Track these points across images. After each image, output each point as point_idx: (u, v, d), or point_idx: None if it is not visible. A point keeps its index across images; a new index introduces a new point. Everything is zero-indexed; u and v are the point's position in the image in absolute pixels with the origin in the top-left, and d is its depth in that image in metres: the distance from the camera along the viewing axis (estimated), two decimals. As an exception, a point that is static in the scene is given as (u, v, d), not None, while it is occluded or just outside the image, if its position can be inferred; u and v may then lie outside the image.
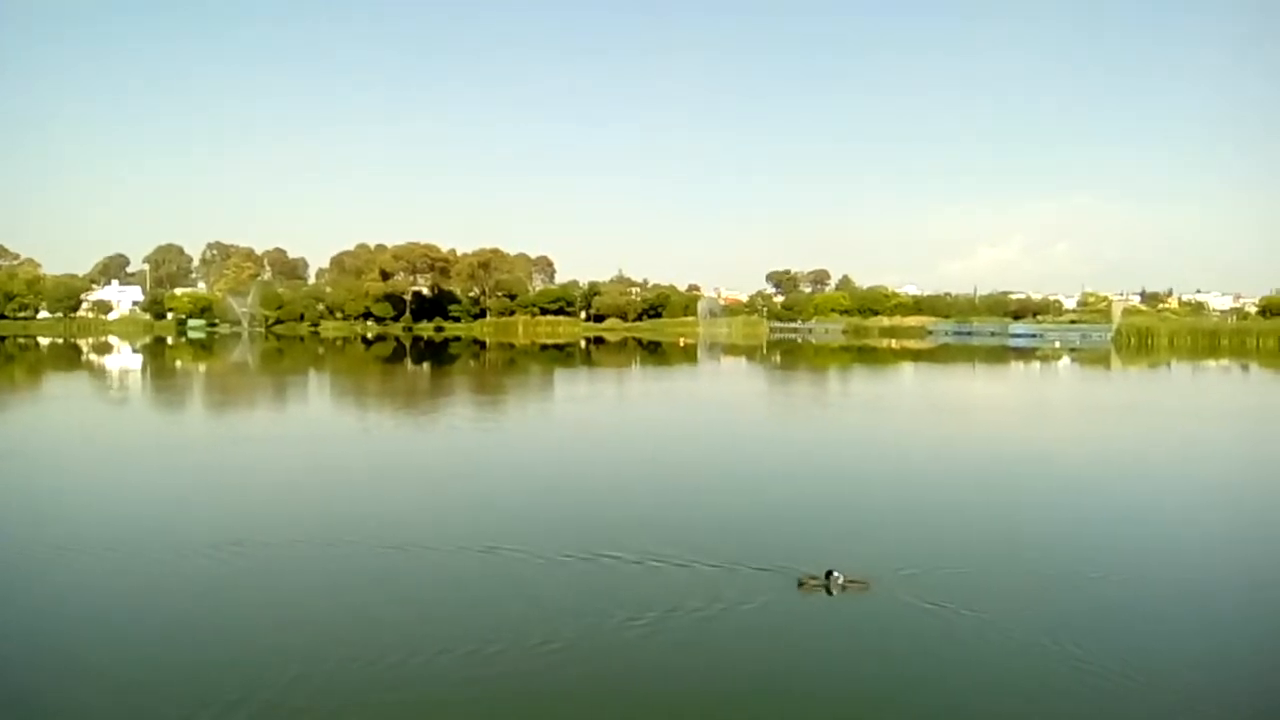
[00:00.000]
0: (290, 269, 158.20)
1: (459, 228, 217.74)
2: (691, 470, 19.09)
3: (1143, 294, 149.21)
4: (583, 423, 28.89)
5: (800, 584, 10.32)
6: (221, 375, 52.35)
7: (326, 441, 23.74)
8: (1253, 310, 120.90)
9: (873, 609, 9.57)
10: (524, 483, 17.27)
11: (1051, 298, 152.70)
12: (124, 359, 66.73)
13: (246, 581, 10.62)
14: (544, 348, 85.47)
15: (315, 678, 7.73)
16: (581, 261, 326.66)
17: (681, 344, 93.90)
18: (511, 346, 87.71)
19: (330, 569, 11.11)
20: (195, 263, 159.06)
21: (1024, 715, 7.36)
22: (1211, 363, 63.79)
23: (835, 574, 10.22)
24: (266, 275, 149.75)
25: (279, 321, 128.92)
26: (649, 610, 9.29)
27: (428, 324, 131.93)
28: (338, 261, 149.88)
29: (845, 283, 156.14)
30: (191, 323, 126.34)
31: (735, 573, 10.65)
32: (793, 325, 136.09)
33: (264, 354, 74.80)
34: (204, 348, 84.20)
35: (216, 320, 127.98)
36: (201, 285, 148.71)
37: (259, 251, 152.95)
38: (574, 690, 7.62)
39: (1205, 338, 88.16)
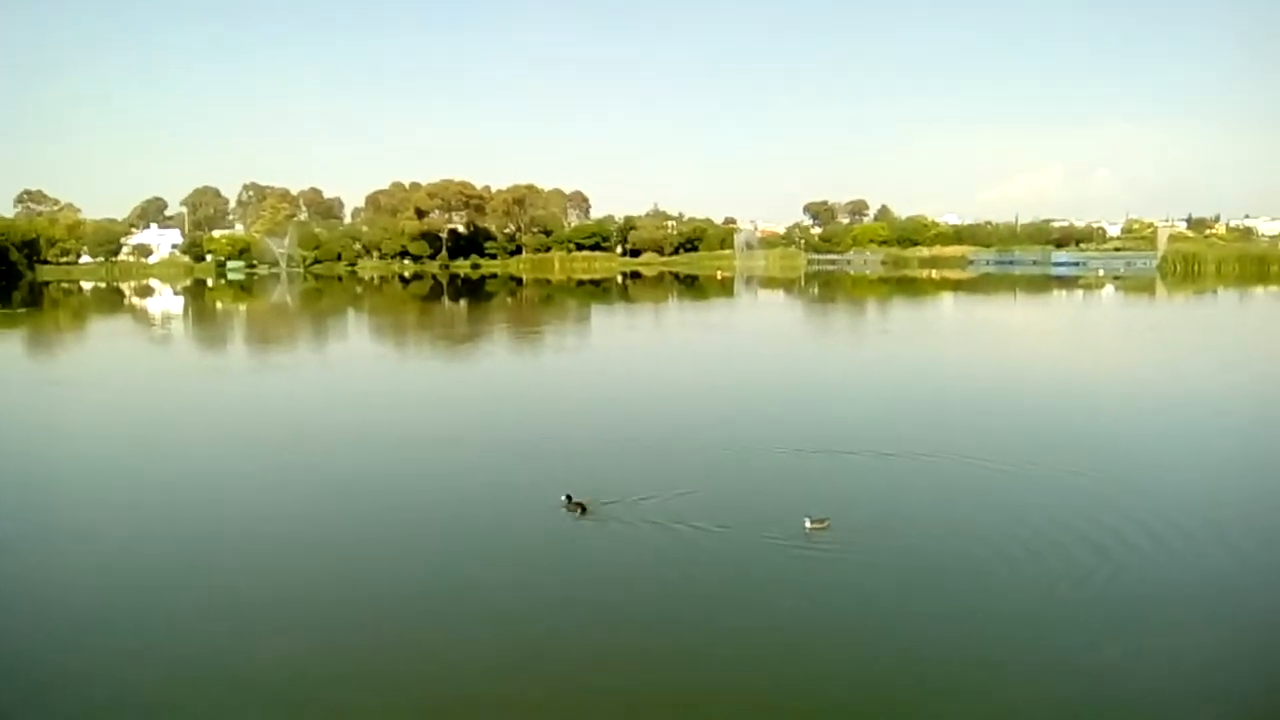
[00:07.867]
0: (326, 209, 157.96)
1: (493, 165, 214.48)
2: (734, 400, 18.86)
3: (1189, 220, 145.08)
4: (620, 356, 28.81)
5: None
6: (268, 315, 52.74)
7: (371, 377, 23.87)
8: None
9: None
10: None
11: (1095, 225, 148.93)
12: (166, 301, 67.39)
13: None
14: (580, 283, 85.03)
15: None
16: (616, 196, 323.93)
17: (719, 277, 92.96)
18: (548, 283, 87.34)
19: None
20: (232, 204, 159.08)
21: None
22: (1260, 289, 62.00)
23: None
24: (302, 215, 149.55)
25: (316, 261, 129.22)
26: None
27: (464, 261, 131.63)
28: (373, 200, 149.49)
29: (884, 213, 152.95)
30: (230, 264, 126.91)
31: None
32: (830, 257, 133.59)
33: (304, 294, 75.20)
34: (244, 289, 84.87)
35: (255, 261, 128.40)
36: (239, 227, 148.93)
37: (294, 192, 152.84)
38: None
39: (1254, 264, 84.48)
